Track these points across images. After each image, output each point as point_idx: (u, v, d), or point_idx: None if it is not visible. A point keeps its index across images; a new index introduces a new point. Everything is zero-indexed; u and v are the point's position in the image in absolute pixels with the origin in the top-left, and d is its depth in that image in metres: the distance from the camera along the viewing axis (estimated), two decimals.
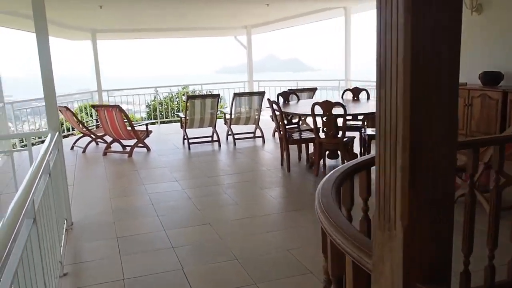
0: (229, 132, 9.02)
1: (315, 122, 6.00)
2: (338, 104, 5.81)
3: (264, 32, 13.57)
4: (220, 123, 10.02)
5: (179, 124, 9.49)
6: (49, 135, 4.10)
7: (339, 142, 6.01)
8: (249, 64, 12.49)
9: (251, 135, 9.30)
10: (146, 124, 8.27)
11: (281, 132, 6.54)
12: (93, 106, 7.89)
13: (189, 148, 8.43)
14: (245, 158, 7.60)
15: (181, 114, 8.71)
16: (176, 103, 15.78)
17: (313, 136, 6.43)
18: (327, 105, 5.83)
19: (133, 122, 8.11)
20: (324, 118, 5.92)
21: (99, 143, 9.10)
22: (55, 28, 10.22)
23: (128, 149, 8.20)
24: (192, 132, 9.09)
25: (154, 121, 12.27)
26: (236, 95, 8.57)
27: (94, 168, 7.31)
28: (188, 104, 8.24)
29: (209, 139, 9.00)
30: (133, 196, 5.66)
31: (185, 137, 8.61)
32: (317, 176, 6.13)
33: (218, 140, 8.64)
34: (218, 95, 8.43)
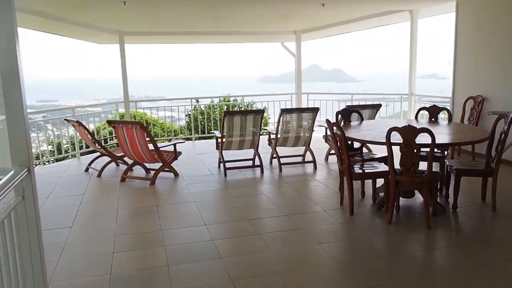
0: (274, 155, 7.48)
1: (390, 153, 4.37)
2: (424, 130, 4.17)
3: (315, 38, 12.00)
4: (263, 143, 8.51)
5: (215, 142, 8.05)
6: (9, 175, 2.65)
7: (424, 181, 4.37)
8: (297, 73, 10.91)
9: (300, 159, 7.72)
10: (174, 145, 6.82)
11: (342, 163, 4.94)
12: (109, 122, 6.51)
13: (225, 175, 6.92)
14: (294, 191, 6.02)
15: (217, 133, 7.22)
16: (217, 113, 14.43)
17: (385, 169, 4.81)
18: (409, 132, 4.21)
19: (159, 142, 6.69)
20: (404, 148, 4.29)
21: (120, 164, 7.73)
22: (79, 29, 8.99)
23: (152, 173, 6.79)
24: (229, 155, 7.60)
25: (188, 136, 10.87)
26: (284, 111, 7.01)
27: (105, 200, 5.90)
28: (225, 121, 6.75)
29: (250, 163, 7.48)
30: (145, 249, 4.17)
31: (221, 160, 7.12)
32: (390, 225, 4.51)
33: (261, 165, 7.10)
34: (262, 111, 6.90)
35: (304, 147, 7.50)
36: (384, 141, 4.36)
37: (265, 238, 4.29)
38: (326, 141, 7.80)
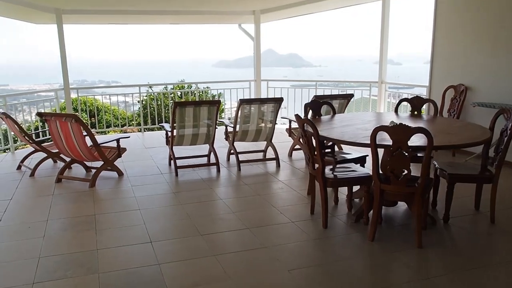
0: (232, 151, 6.73)
1: (375, 157, 3.70)
2: (420, 130, 3.52)
3: (275, 19, 11.22)
4: (219, 136, 7.74)
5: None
6: None
7: (416, 192, 3.73)
8: (256, 58, 10.12)
9: (261, 155, 7.01)
10: (118, 140, 5.95)
11: (314, 166, 4.26)
12: (40, 115, 5.55)
13: (176, 174, 6.12)
14: (255, 195, 5.30)
15: (167, 126, 6.38)
16: (170, 100, 13.48)
17: (366, 174, 4.18)
18: (401, 132, 3.55)
19: (110, 133, 5.81)
20: (394, 152, 3.63)
21: (57, 161, 6.79)
22: (10, 6, 7.86)
23: (93, 172, 5.91)
24: (182, 150, 6.80)
25: (138, 127, 9.95)
26: (243, 102, 6.24)
27: (35, 207, 4.99)
28: (176, 113, 5.93)
29: (205, 160, 6.70)
30: (73, 277, 3.34)
31: (172, 157, 6.31)
32: (372, 242, 3.86)
33: (217, 163, 6.34)
34: (217, 102, 6.10)
35: (265, 142, 6.78)
36: (367, 142, 3.69)
37: (223, 262, 3.55)
38: (290, 135, 7.11)
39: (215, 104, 6.07)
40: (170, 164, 6.63)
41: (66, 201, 5.14)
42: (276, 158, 6.60)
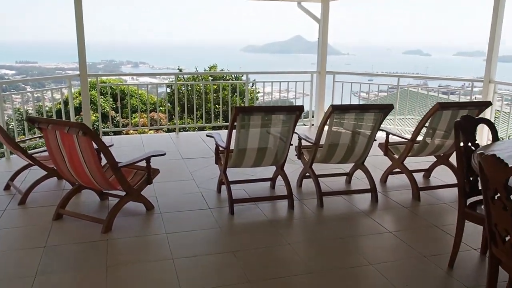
0: (306, 174, 4.73)
1: None
2: None
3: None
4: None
5: (211, 132, 5.33)
6: None
7: None
8: (322, 45, 7.99)
9: (344, 183, 4.98)
10: (147, 159, 3.95)
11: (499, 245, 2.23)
12: (31, 121, 3.58)
13: (232, 212, 4.13)
14: (364, 264, 3.27)
15: (218, 138, 4.39)
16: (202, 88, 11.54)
17: None
18: None
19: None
20: None
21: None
22: None
23: (110, 202, 3.97)
24: (237, 174, 4.82)
25: (169, 126, 7.98)
26: (335, 109, 4.16)
27: (9, 280, 3.05)
28: (237, 122, 3.91)
29: (267, 188, 4.71)
30: None
31: (223, 181, 4.33)
32: None
33: (290, 196, 4.32)
34: (299, 109, 4.04)
35: (353, 163, 4.76)
36: None
37: None
38: (386, 153, 5.05)
39: (294, 112, 4.03)
40: (219, 191, 4.65)
41: (61, 266, 3.19)
42: (373, 189, 4.56)
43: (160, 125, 9.15)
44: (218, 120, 9.18)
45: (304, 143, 4.70)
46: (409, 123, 9.36)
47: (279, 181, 4.64)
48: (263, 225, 3.93)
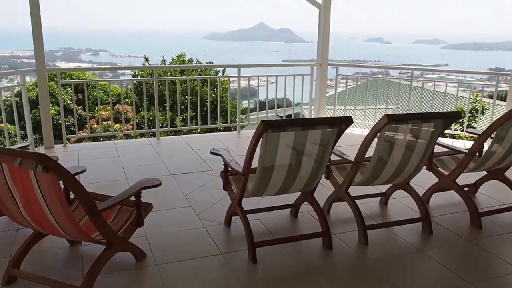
0: (339, 199, 3.67)
1: None
2: None
3: None
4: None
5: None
6: None
7: None
8: (323, 34, 6.90)
9: (381, 207, 3.97)
10: (137, 194, 2.79)
11: None
12: None
13: (254, 260, 3.02)
14: None
15: (228, 157, 3.28)
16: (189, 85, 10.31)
17: None
18: None
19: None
20: None
21: None
22: None
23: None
24: (248, 198, 3.72)
25: (149, 130, 6.74)
26: (391, 120, 3.09)
27: None
28: (264, 142, 2.80)
29: (286, 216, 3.63)
30: None
31: (240, 215, 3.23)
32: None
33: (326, 231, 3.26)
34: (346, 121, 2.94)
35: (397, 183, 3.74)
36: None
37: None
38: (430, 168, 4.04)
39: (339, 125, 2.95)
40: (229, 224, 3.55)
41: None
42: (425, 217, 3.56)
43: (138, 129, 7.84)
44: (215, 121, 7.89)
45: (333, 157, 3.63)
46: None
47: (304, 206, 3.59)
48: (298, 277, 2.87)
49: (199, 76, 10.29)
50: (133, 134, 7.66)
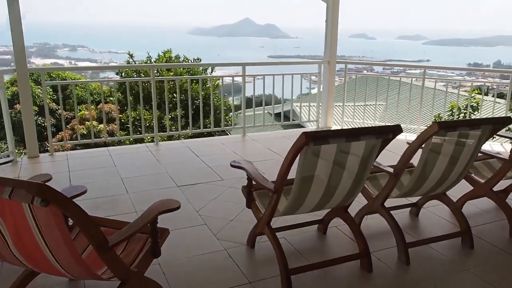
0: (370, 212, 3.26)
1: None
2: None
3: None
4: None
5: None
6: None
7: None
8: (332, 29, 6.45)
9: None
10: (153, 222, 2.33)
11: None
12: None
13: (288, 286, 2.60)
14: None
15: (249, 167, 2.83)
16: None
17: None
18: None
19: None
20: None
21: None
22: None
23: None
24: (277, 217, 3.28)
25: (149, 135, 6.23)
26: (442, 127, 2.67)
27: None
28: (303, 157, 2.36)
29: (321, 235, 3.20)
30: None
31: (265, 233, 2.81)
32: None
33: (365, 250, 2.85)
34: (393, 130, 2.52)
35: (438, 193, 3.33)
36: None
37: None
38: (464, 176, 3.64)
39: (386, 135, 2.53)
40: (253, 245, 3.10)
41: None
42: (466, 231, 3.18)
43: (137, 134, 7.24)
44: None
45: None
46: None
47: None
48: None
49: (201, 76, 9.81)
50: (123, 139, 7.13)
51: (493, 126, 2.87)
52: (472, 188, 3.64)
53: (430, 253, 3.11)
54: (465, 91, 11.61)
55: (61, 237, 1.84)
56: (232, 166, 3.01)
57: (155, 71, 7.51)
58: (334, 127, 6.68)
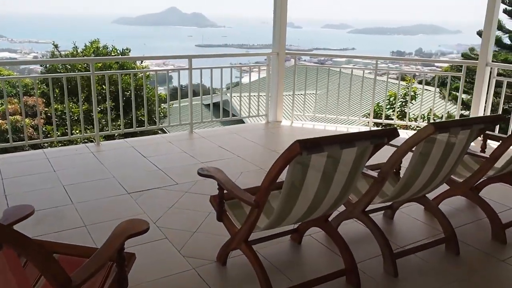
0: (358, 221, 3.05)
1: None
2: None
3: None
4: None
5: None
6: None
7: None
8: (281, 19, 6.16)
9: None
10: (120, 252, 1.94)
11: None
12: None
13: None
14: None
15: (221, 177, 2.50)
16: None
17: None
18: None
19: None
20: None
21: None
22: None
23: None
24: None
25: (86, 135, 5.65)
26: (438, 128, 2.47)
27: None
28: (292, 169, 2.07)
29: (296, 245, 2.94)
30: None
31: (242, 251, 2.49)
32: None
33: (352, 267, 2.62)
34: (389, 134, 2.29)
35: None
36: None
37: None
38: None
39: (381, 139, 2.30)
40: (224, 262, 2.78)
41: None
42: (450, 237, 3.04)
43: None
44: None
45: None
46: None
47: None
48: None
49: (147, 70, 9.24)
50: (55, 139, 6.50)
51: (486, 124, 2.74)
52: (448, 187, 3.52)
53: (414, 261, 2.94)
54: (403, 80, 11.85)
55: (17, 285, 1.43)
56: (201, 175, 2.65)
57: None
58: (284, 122, 6.44)
